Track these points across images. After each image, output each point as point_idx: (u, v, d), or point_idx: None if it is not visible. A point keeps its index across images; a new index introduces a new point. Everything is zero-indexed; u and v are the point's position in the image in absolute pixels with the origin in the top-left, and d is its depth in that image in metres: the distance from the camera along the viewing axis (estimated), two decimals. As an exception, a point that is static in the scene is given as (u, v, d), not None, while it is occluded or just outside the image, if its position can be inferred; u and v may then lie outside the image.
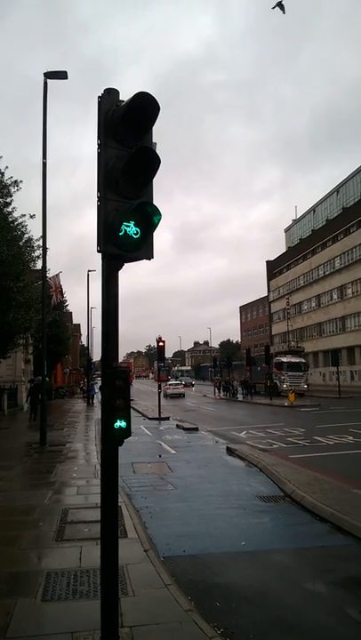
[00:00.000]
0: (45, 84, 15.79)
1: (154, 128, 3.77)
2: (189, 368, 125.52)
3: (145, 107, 3.56)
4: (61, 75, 15.69)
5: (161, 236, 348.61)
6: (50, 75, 15.69)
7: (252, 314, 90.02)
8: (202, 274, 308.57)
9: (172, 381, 58.85)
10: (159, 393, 29.29)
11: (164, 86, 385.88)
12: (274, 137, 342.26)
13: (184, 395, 47.57)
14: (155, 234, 3.76)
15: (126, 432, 3.64)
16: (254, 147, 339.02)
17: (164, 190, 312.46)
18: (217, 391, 47.64)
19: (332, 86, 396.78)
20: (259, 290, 79.99)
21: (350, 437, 15.92)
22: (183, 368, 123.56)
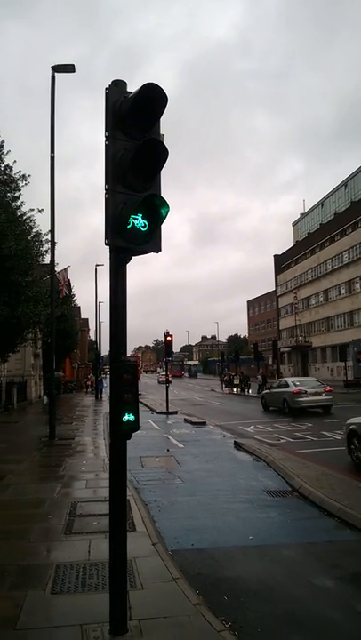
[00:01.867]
0: (53, 77, 15.74)
1: (163, 120, 3.74)
2: (197, 362, 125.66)
3: (153, 98, 3.53)
4: (69, 68, 15.62)
5: (179, 230, 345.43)
6: (57, 68, 15.64)
7: (260, 308, 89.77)
8: (217, 267, 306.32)
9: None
10: (167, 387, 29.33)
11: (192, 75, 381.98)
12: (298, 128, 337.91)
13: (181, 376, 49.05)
14: (164, 226, 3.74)
15: (135, 426, 3.64)
16: (278, 138, 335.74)
17: (184, 182, 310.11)
18: (224, 387, 47.58)
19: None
20: (270, 284, 79.59)
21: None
22: (191, 362, 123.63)
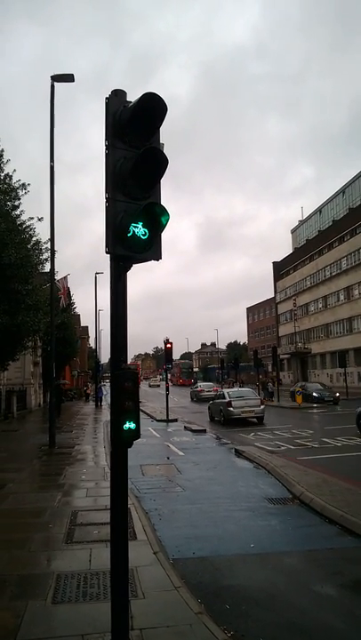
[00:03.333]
0: (52, 87, 15.84)
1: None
2: (197, 370, 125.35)
3: (153, 108, 3.56)
4: (68, 78, 15.73)
5: (186, 235, 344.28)
6: (57, 78, 15.75)
7: (259, 315, 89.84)
8: (223, 274, 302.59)
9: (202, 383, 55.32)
10: (167, 395, 29.28)
11: (207, 78, 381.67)
12: (310, 133, 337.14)
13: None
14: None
15: (135, 434, 3.63)
16: (289, 142, 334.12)
17: (193, 187, 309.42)
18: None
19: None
20: (271, 291, 79.36)
21: (359, 439, 15.81)
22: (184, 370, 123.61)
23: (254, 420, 22.85)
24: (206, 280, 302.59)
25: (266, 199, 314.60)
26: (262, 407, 23.34)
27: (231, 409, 22.54)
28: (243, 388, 30.03)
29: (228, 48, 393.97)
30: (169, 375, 33.02)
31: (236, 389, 29.22)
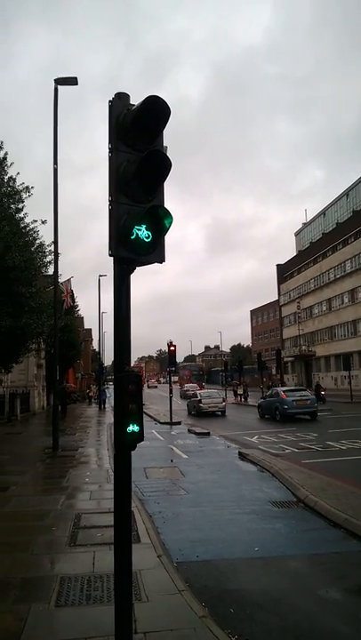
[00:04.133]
0: (56, 90, 15.91)
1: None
2: (201, 372, 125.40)
3: (156, 110, 3.56)
4: (72, 81, 15.79)
5: (194, 237, 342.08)
6: (60, 81, 15.81)
7: (263, 318, 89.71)
8: (230, 276, 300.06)
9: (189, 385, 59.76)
10: (170, 397, 29.26)
11: (219, 80, 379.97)
12: (321, 135, 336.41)
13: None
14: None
15: (139, 436, 3.62)
16: (299, 145, 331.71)
17: (202, 189, 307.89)
18: (235, 396, 47.29)
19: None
20: (274, 294, 79.00)
21: (364, 442, 15.75)
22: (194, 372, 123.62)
23: (218, 412, 30.27)
24: (213, 282, 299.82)
25: (275, 201, 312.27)
26: (224, 404, 31.20)
27: (202, 405, 29.91)
28: (210, 391, 38.08)
29: (240, 49, 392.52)
30: (175, 377, 36.30)
31: (205, 391, 36.51)
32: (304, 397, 25.42)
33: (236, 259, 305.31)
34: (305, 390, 29.03)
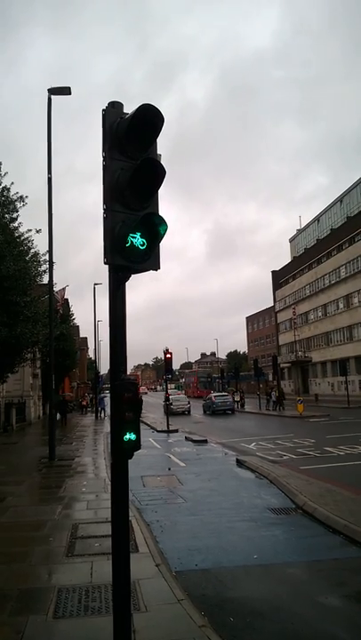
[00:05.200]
0: (49, 100, 15.97)
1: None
2: (209, 379, 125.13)
3: (150, 119, 3.58)
4: (65, 91, 15.86)
5: (196, 244, 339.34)
6: (53, 91, 15.88)
7: (259, 324, 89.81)
8: (230, 283, 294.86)
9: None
10: (165, 405, 29.19)
11: (227, 84, 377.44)
12: (325, 141, 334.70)
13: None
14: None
15: (136, 445, 3.61)
16: (303, 150, 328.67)
17: (204, 194, 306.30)
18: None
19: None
20: (270, 300, 78.82)
21: (361, 447, 15.74)
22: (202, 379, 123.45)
23: (185, 412, 39.66)
24: (212, 289, 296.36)
25: (278, 207, 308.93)
26: (188, 405, 40.37)
27: (172, 407, 35.69)
28: (179, 395, 47.18)
29: (247, 53, 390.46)
30: (172, 385, 38.20)
31: (176, 395, 45.24)
32: (226, 400, 39.89)
33: (237, 265, 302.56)
34: (227, 395, 43.18)
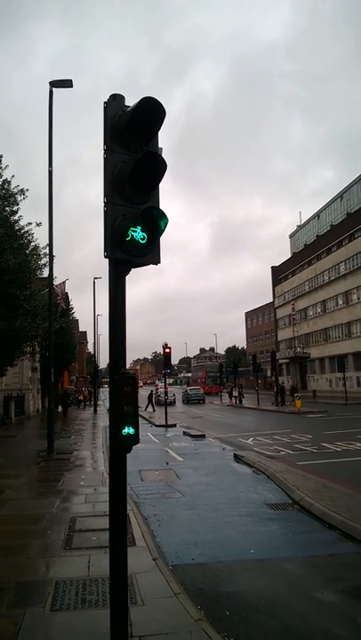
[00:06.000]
0: (51, 92, 15.88)
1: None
2: (219, 374, 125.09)
3: (151, 112, 3.55)
4: (67, 83, 15.77)
5: (199, 238, 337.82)
6: (55, 83, 15.79)
7: (258, 320, 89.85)
8: (232, 277, 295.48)
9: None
10: (166, 399, 29.24)
11: (236, 78, 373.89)
12: (332, 137, 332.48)
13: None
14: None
15: (134, 439, 3.61)
16: (310, 145, 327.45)
17: (210, 189, 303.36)
18: (230, 398, 47.41)
19: None
20: (270, 296, 78.48)
21: (358, 444, 15.77)
22: (189, 375, 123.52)
23: (171, 403, 40.40)
24: (214, 284, 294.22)
25: (283, 202, 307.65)
26: (174, 397, 46.07)
27: (160, 398, 40.64)
28: (169, 389, 49.17)
29: (258, 46, 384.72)
30: (169, 381, 40.14)
31: (162, 390, 46.09)
32: (198, 392, 52.73)
33: (240, 260, 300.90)
34: (199, 388, 56.15)
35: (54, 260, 16.99)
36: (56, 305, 23.92)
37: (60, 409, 34.29)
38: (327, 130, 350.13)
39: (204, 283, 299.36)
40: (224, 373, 62.84)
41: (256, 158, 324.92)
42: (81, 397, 51.31)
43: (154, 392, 43.05)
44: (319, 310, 62.66)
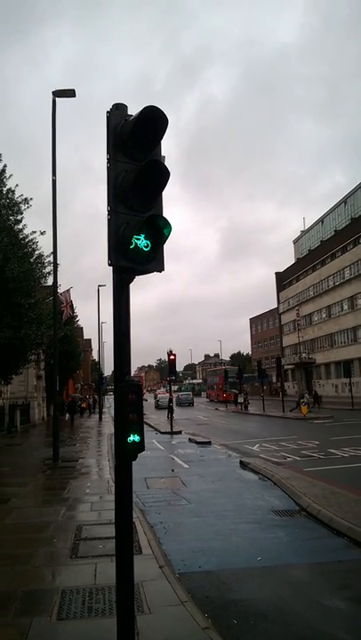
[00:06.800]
0: (54, 102, 16.02)
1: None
2: (200, 381, 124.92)
3: (154, 120, 3.58)
4: (69, 93, 15.91)
5: (209, 243, 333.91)
6: (58, 93, 15.93)
7: (263, 326, 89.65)
8: (241, 283, 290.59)
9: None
10: (171, 407, 29.21)
11: (248, 81, 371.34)
12: (345, 140, 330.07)
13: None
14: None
15: (140, 446, 3.61)
16: (322, 149, 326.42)
17: (220, 194, 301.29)
18: (235, 404, 47.25)
19: None
20: (274, 302, 78.16)
21: (365, 449, 15.69)
22: (194, 381, 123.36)
23: (167, 407, 36.90)
24: (222, 290, 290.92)
25: (294, 206, 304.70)
26: (171, 404, 36.43)
27: (159, 403, 51.57)
28: (166, 395, 50.37)
29: (270, 48, 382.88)
30: (174, 387, 41.29)
31: (163, 395, 58.04)
32: (188, 396, 62.97)
33: (249, 266, 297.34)
34: (189, 392, 66.66)
35: (59, 268, 17.08)
36: (61, 313, 24.00)
37: (67, 416, 34.48)
38: (339, 133, 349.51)
39: (211, 289, 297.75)
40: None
41: (267, 163, 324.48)
42: (84, 405, 49.41)
43: (157, 397, 53.30)
44: (324, 315, 62.48)
